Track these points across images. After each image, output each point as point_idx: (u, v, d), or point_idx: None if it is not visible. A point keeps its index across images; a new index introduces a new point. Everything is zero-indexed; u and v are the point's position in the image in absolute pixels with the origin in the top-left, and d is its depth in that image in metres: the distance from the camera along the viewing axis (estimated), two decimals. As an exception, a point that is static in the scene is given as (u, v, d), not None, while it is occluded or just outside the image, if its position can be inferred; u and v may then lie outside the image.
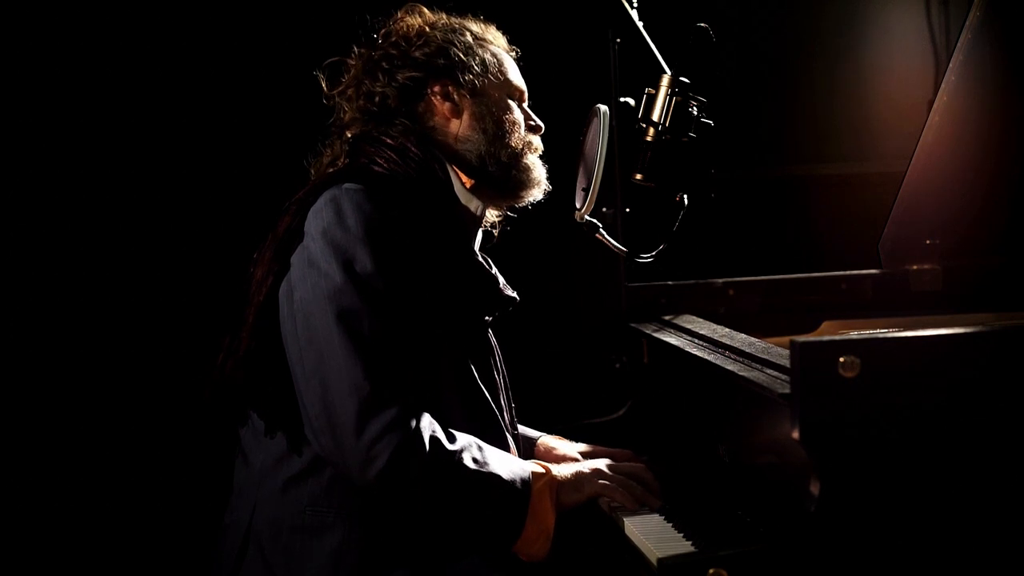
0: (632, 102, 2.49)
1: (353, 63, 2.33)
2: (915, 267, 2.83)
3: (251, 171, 3.20)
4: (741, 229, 3.72)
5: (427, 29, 2.30)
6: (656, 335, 2.61)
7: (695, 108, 2.43)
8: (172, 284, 3.22)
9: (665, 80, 2.42)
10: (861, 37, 3.84)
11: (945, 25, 3.81)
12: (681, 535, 1.97)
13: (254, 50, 3.23)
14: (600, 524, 2.17)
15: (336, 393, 1.97)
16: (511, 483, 2.04)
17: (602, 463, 2.21)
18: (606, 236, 2.46)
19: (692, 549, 1.90)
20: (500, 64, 2.31)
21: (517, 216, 2.43)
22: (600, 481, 2.15)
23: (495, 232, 2.43)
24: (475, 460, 2.02)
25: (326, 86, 2.34)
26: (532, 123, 2.36)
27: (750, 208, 3.75)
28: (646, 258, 2.55)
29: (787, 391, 1.82)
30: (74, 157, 3.17)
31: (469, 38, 2.30)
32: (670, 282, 2.90)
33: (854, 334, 2.32)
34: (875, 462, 1.74)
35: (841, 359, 1.71)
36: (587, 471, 2.17)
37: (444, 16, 2.35)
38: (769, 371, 2.01)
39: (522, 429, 2.45)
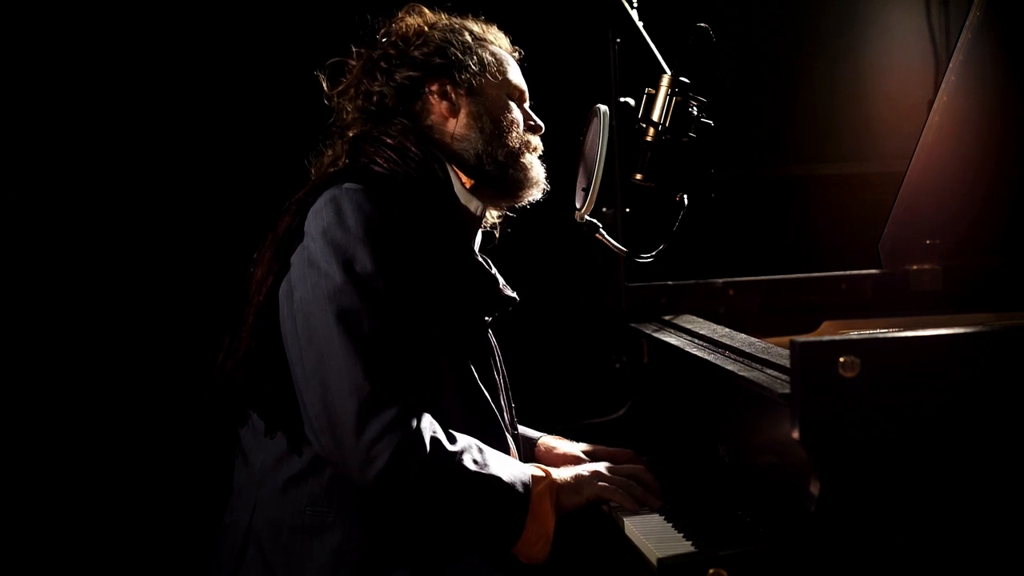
0: (632, 102, 2.49)
1: (354, 63, 2.33)
2: (915, 267, 2.83)
3: (251, 171, 3.20)
4: (741, 229, 3.72)
5: (426, 29, 2.30)
6: (656, 335, 2.61)
7: (695, 108, 2.43)
8: (172, 284, 3.22)
9: (665, 80, 2.42)
10: (861, 37, 3.84)
11: (945, 25, 3.81)
12: (681, 535, 1.97)
13: (255, 50, 3.23)
14: (600, 524, 2.17)
15: (336, 393, 1.97)
16: (511, 485, 2.04)
17: (601, 465, 2.21)
18: (606, 236, 2.46)
19: (692, 549, 1.90)
20: (499, 64, 2.31)
21: (517, 216, 2.43)
22: (600, 483, 2.15)
23: (496, 233, 2.43)
24: (475, 462, 2.02)
25: (327, 86, 2.34)
26: (532, 123, 2.35)
27: (750, 208, 3.75)
28: (646, 258, 2.55)
29: (787, 391, 1.82)
30: (75, 157, 3.17)
31: (468, 38, 2.30)
32: (670, 282, 2.90)
33: (854, 334, 2.32)
34: (875, 462, 1.74)
35: (841, 359, 1.71)
36: (587, 474, 2.17)
37: (444, 16, 2.35)
38: (769, 371, 2.01)
39: (522, 429, 2.45)
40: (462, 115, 2.27)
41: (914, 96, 3.75)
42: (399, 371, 2.00)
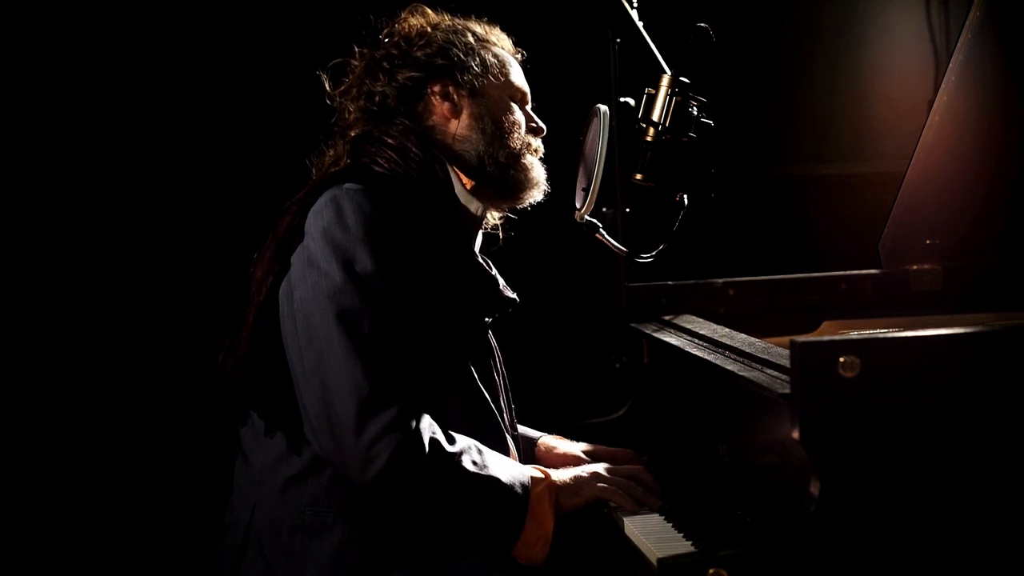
0: (632, 102, 2.49)
1: (356, 63, 2.33)
2: (915, 267, 2.83)
3: (253, 171, 3.20)
4: (741, 229, 3.72)
5: (429, 29, 2.30)
6: (656, 335, 2.61)
7: (695, 108, 2.43)
8: (173, 284, 3.22)
9: (665, 80, 2.42)
10: (861, 37, 3.84)
11: (945, 25, 3.81)
12: (681, 535, 1.97)
13: (258, 50, 3.23)
14: (600, 524, 2.17)
15: (336, 393, 1.97)
16: (510, 487, 2.04)
17: (601, 466, 2.21)
18: (606, 236, 2.46)
19: (692, 549, 1.90)
20: (502, 65, 2.31)
21: (517, 217, 2.43)
22: (599, 484, 2.15)
23: (500, 235, 2.43)
24: (474, 463, 2.02)
25: (329, 86, 2.34)
26: (533, 125, 2.35)
27: (750, 208, 3.75)
28: (646, 258, 2.55)
29: (787, 391, 1.82)
30: (77, 157, 3.17)
31: (471, 39, 2.30)
32: (670, 282, 2.90)
33: (854, 334, 2.32)
34: (875, 462, 1.74)
35: (841, 359, 1.71)
36: (586, 475, 2.17)
37: (447, 17, 2.35)
38: (769, 371, 2.01)
39: (522, 429, 2.45)
40: (464, 116, 2.27)
41: (914, 96, 3.75)
42: (399, 371, 2.00)
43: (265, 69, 3.22)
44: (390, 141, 2.20)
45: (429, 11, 2.35)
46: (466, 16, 2.37)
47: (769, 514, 1.97)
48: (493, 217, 2.40)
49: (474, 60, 2.27)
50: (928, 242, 2.79)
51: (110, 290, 3.19)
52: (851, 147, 3.84)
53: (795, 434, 1.73)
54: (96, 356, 3.18)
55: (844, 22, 3.83)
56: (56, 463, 3.16)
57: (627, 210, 2.90)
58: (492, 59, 2.30)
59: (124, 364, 3.20)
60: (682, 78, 2.42)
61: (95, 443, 3.18)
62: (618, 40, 2.85)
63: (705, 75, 2.45)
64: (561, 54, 3.21)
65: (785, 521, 1.89)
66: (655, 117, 2.42)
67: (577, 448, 2.45)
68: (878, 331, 2.41)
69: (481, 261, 2.26)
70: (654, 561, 1.88)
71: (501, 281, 2.27)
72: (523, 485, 2.06)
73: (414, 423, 1.97)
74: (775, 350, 2.10)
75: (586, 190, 2.36)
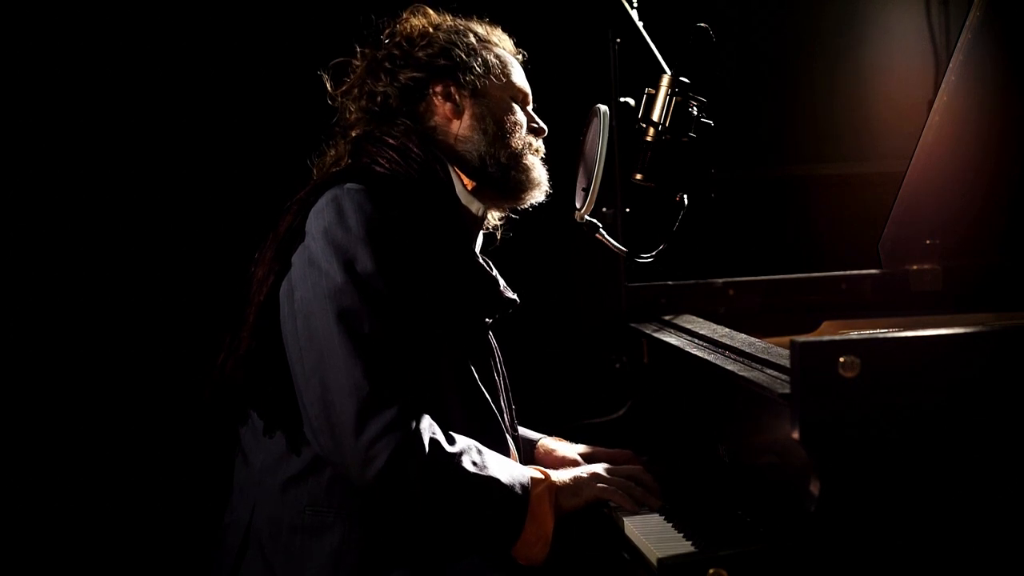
0: (632, 102, 2.49)
1: (358, 63, 2.33)
2: (915, 267, 2.83)
3: (254, 170, 3.20)
4: (741, 229, 3.72)
5: (431, 30, 2.30)
6: (656, 335, 2.61)
7: (695, 108, 2.43)
8: (173, 284, 3.22)
9: (665, 80, 2.42)
10: (861, 37, 3.84)
11: (945, 25, 3.81)
12: (681, 535, 1.97)
13: (259, 50, 3.23)
14: (600, 524, 2.17)
15: (336, 393, 1.97)
16: (510, 487, 2.04)
17: (600, 467, 2.21)
18: (606, 236, 2.46)
19: (692, 549, 1.90)
20: (504, 66, 2.32)
21: (518, 217, 2.43)
22: (599, 485, 2.15)
23: (498, 235, 2.43)
24: (474, 463, 2.02)
25: (331, 86, 2.34)
26: (535, 125, 2.35)
27: (750, 208, 3.75)
28: (646, 258, 2.55)
29: (787, 391, 1.82)
30: (78, 157, 3.17)
31: (473, 39, 2.30)
32: (670, 282, 2.90)
33: (854, 334, 2.32)
34: (875, 462, 1.74)
35: (841, 359, 1.71)
36: (585, 475, 2.17)
37: (449, 17, 2.35)
38: (769, 371, 2.01)
39: (522, 431, 2.45)
40: (466, 117, 2.27)
41: (914, 96, 3.75)
42: (399, 372, 2.00)
43: (266, 69, 3.22)
44: (391, 141, 2.20)
45: (431, 11, 2.35)
46: (467, 16, 2.37)
47: (769, 514, 1.97)
48: (493, 218, 2.40)
49: (476, 61, 2.27)
50: (928, 242, 2.79)
51: (111, 290, 3.19)
52: (851, 147, 3.83)
53: (795, 434, 1.73)
54: (96, 356, 3.18)
55: (844, 22, 3.83)
56: (56, 463, 3.16)
57: (627, 210, 2.90)
58: (494, 60, 2.30)
59: (124, 363, 3.20)
60: (682, 78, 2.42)
61: (95, 443, 3.18)
62: (618, 40, 2.85)
63: (705, 75, 2.45)
64: (561, 54, 3.21)
65: (785, 521, 1.89)
66: (655, 117, 2.42)
67: (577, 450, 2.45)
68: (878, 331, 2.41)
69: (482, 262, 2.26)
70: (654, 561, 1.88)
71: (502, 282, 2.27)
72: (523, 486, 2.06)
73: (414, 423, 1.97)
74: (775, 350, 2.10)
75: (586, 190, 2.36)
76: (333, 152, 2.31)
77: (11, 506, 3.11)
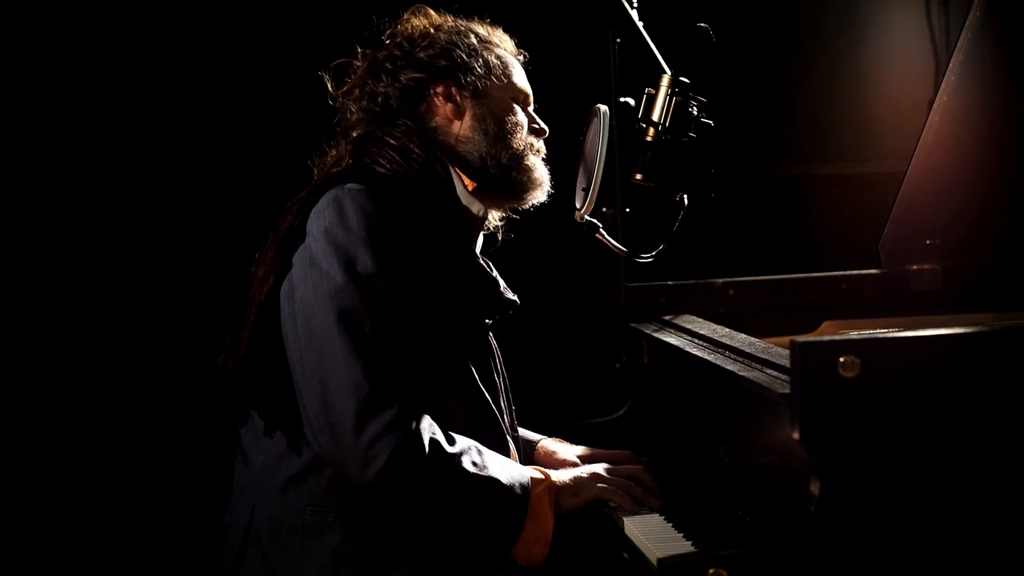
0: (632, 102, 2.49)
1: (359, 64, 2.33)
2: (915, 267, 2.83)
3: (254, 171, 3.20)
4: (741, 229, 3.72)
5: (432, 30, 2.30)
6: (656, 335, 2.61)
7: (695, 108, 2.43)
8: (173, 283, 3.22)
9: (665, 80, 2.42)
10: (861, 37, 3.84)
11: (945, 25, 3.81)
12: (681, 535, 1.97)
13: (260, 50, 3.23)
14: (600, 524, 2.17)
15: (336, 393, 1.97)
16: (510, 487, 2.04)
17: (600, 467, 2.21)
18: (606, 236, 2.46)
19: (692, 549, 1.90)
20: (505, 67, 2.32)
21: (518, 217, 2.43)
22: (599, 485, 2.15)
23: (499, 237, 2.43)
24: (474, 463, 2.02)
25: (332, 87, 2.35)
26: (536, 126, 2.35)
27: (750, 208, 3.75)
28: (646, 258, 2.55)
29: (787, 391, 1.82)
30: (79, 156, 3.17)
31: (474, 40, 2.30)
32: (670, 282, 2.90)
33: (854, 334, 2.32)
34: (875, 462, 1.74)
35: (841, 359, 1.71)
36: (585, 475, 2.17)
37: (450, 18, 2.35)
38: (769, 371, 2.01)
39: (522, 432, 2.45)
40: (467, 117, 2.27)
41: (914, 96, 3.75)
42: (399, 372, 2.00)
43: (267, 69, 3.22)
44: (392, 142, 2.20)
45: (432, 12, 2.35)
46: (469, 17, 2.37)
47: (769, 514, 1.98)
48: (494, 218, 2.40)
49: (477, 61, 2.28)
50: (928, 242, 2.79)
51: (111, 290, 3.19)
52: (851, 147, 3.84)
53: (795, 434, 1.73)
54: (97, 355, 3.18)
55: (844, 22, 3.83)
56: (56, 463, 3.16)
57: (627, 210, 2.90)
58: (495, 60, 2.30)
59: (125, 363, 3.20)
60: (682, 78, 2.42)
61: (95, 443, 3.18)
62: (618, 40, 2.85)
63: (705, 75, 2.45)
64: (561, 54, 3.21)
65: (785, 521, 1.89)
66: (655, 117, 2.42)
67: (576, 452, 2.45)
68: (878, 331, 2.41)
69: (482, 263, 2.26)
70: (654, 561, 1.88)
71: (502, 283, 2.27)
72: (523, 486, 2.06)
73: (414, 423, 1.97)
74: (775, 350, 2.10)
75: (586, 190, 2.36)
76: (334, 152, 2.31)
77: (12, 506, 3.12)
